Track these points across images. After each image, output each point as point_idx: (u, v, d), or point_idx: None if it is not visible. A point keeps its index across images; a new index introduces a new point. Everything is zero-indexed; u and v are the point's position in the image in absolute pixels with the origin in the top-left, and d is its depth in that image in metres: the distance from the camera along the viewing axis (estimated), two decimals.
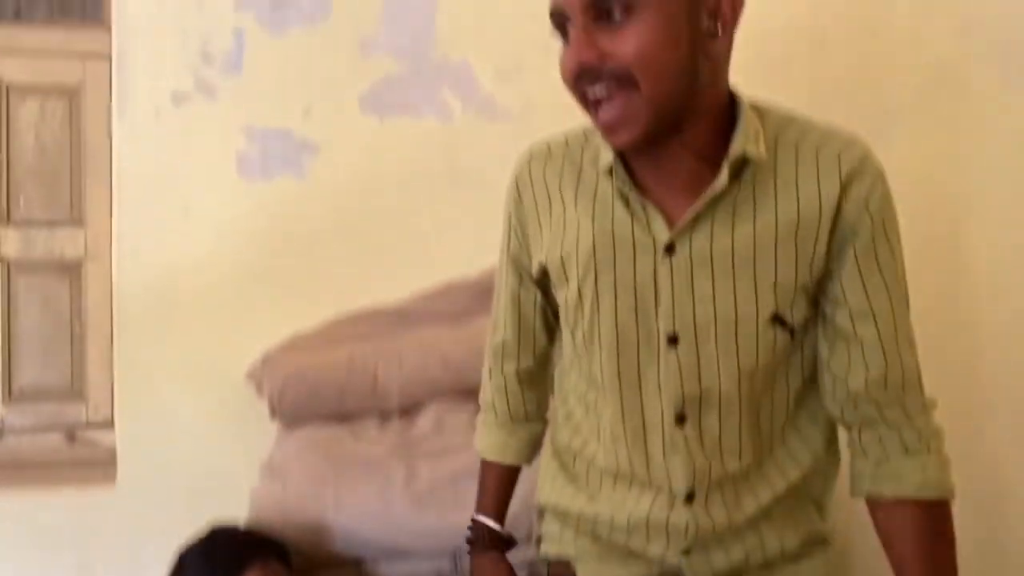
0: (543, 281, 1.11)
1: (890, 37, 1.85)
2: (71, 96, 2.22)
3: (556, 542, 1.16)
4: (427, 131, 2.00)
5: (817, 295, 1.00)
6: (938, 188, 1.66)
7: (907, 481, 1.00)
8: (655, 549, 1.07)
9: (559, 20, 0.92)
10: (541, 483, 1.18)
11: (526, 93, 2.00)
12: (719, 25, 0.90)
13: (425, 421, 1.86)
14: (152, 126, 1.95)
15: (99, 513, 2.03)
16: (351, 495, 1.66)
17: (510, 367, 1.20)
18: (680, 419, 1.01)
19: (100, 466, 2.19)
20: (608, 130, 0.92)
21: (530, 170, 1.08)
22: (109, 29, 2.19)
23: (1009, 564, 1.53)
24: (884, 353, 0.99)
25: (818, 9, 1.94)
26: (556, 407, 1.18)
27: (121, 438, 2.03)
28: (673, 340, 0.99)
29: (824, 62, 1.95)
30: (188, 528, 1.51)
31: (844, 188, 0.95)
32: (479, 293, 1.90)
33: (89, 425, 2.25)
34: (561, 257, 1.03)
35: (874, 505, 1.02)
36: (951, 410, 1.09)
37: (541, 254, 1.07)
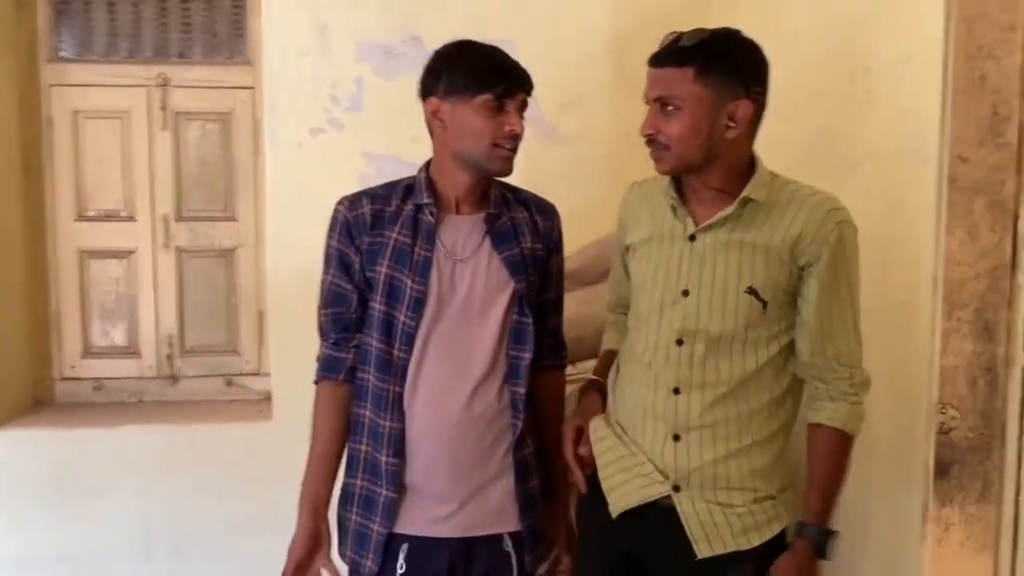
0: (626, 255, 1.71)
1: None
2: (224, 120, 2.78)
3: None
4: None
5: (794, 293, 1.53)
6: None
7: (822, 415, 1.53)
8: (650, 437, 1.56)
9: (647, 101, 1.54)
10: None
11: (580, 123, 2.52)
12: (734, 124, 1.49)
13: None
14: (296, 153, 2.46)
15: (259, 440, 2.56)
16: None
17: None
18: (679, 343, 1.54)
19: (254, 404, 2.82)
20: (655, 161, 1.55)
21: (631, 192, 1.72)
22: (251, 65, 2.76)
23: None
24: (823, 337, 1.52)
25: None
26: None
27: (276, 383, 2.55)
28: (686, 293, 1.54)
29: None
30: None
31: (818, 227, 1.49)
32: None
33: (242, 374, 2.89)
34: (636, 240, 1.65)
35: (809, 428, 1.56)
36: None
37: (629, 239, 1.68)
